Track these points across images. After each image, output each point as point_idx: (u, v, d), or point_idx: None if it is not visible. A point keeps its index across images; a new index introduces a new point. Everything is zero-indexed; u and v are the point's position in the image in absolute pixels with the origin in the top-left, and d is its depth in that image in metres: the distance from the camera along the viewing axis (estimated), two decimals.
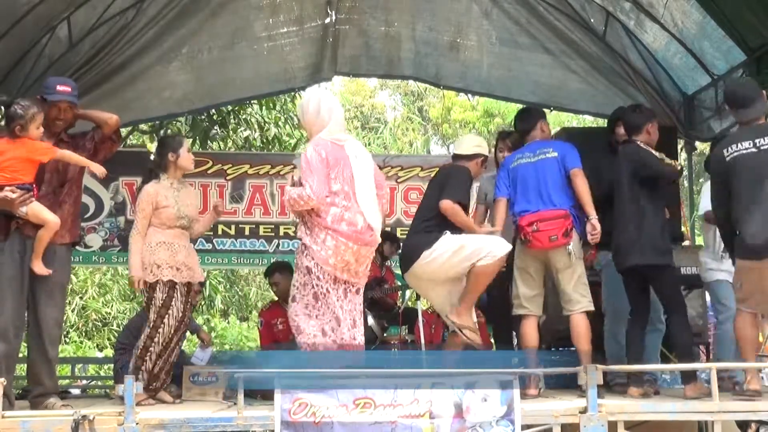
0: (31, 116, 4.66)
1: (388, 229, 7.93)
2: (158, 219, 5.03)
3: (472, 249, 4.90)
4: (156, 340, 4.95)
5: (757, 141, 4.67)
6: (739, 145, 4.72)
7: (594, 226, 5.04)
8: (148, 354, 4.95)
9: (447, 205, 4.95)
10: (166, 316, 4.97)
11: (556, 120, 14.29)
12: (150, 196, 5.03)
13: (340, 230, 4.54)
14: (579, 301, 5.09)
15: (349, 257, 4.57)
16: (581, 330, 5.06)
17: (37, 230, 4.67)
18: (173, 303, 4.99)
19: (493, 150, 6.17)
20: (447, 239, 4.96)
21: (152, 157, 5.18)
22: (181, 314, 5.03)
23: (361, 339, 4.69)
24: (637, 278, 5.14)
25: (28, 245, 4.68)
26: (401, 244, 5.43)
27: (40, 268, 4.69)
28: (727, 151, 4.77)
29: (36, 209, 4.66)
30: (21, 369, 12.08)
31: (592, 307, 5.13)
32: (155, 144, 5.25)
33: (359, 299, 4.75)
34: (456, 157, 5.35)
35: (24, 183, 4.62)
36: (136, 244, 5.00)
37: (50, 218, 4.71)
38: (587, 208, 5.07)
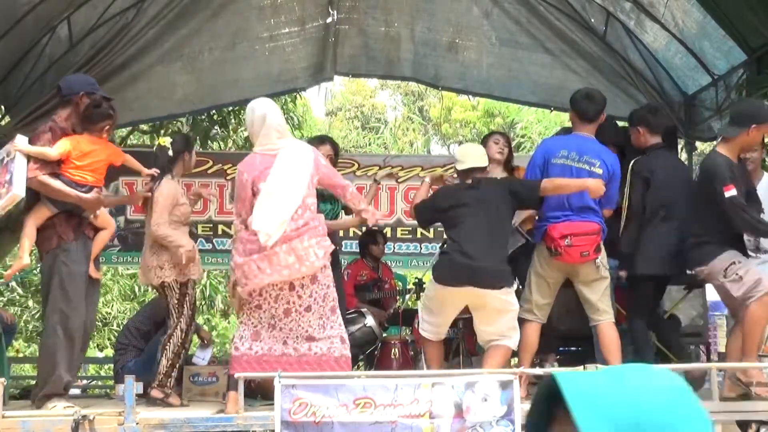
0: (116, 117, 4.74)
1: (375, 228, 7.88)
2: (175, 216, 4.97)
3: (514, 319, 4.96)
4: (189, 337, 4.96)
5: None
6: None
7: None
8: (184, 350, 4.95)
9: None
10: (194, 311, 5.01)
11: (557, 120, 14.31)
12: (173, 192, 4.97)
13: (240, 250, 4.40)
14: (606, 311, 5.02)
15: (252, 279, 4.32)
16: (611, 340, 4.97)
17: (94, 233, 4.72)
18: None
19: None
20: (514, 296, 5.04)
21: (170, 153, 5.07)
22: None
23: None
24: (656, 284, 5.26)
25: (89, 246, 4.70)
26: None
27: (94, 270, 4.74)
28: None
29: (104, 212, 4.76)
30: (20, 369, 12.11)
31: (613, 319, 5.07)
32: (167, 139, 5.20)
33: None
34: (474, 170, 5.10)
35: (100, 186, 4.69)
36: (173, 233, 4.85)
37: (112, 223, 4.87)
38: None
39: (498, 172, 5.79)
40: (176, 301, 4.89)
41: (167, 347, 4.85)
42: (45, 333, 4.57)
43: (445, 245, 5.18)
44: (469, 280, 4.82)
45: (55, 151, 4.53)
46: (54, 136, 4.58)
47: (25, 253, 4.59)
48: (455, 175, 5.44)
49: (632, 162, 5.29)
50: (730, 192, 4.63)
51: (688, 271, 5.11)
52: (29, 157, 4.48)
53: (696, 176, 4.93)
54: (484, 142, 6.08)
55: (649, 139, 5.34)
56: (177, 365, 4.87)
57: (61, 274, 4.51)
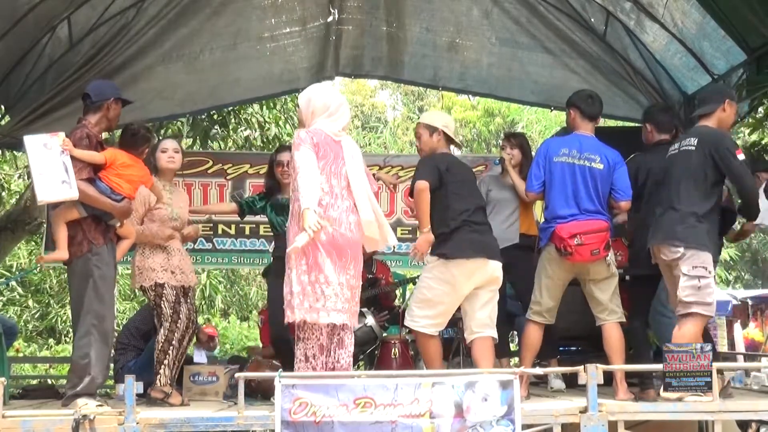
0: (153, 139, 5.04)
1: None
2: (152, 220, 5.10)
3: None
4: (176, 336, 5.00)
5: (682, 142, 4.84)
6: (674, 146, 4.91)
7: None
8: (171, 347, 4.99)
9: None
10: (180, 312, 5.02)
11: (557, 120, 14.30)
12: (143, 196, 5.08)
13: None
14: (615, 311, 5.03)
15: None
16: (616, 340, 4.98)
17: (117, 239, 4.88)
18: (181, 301, 5.03)
19: (496, 150, 6.24)
20: None
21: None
22: (188, 312, 5.09)
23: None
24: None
25: (115, 251, 4.85)
26: None
27: None
28: (670, 149, 4.96)
29: (128, 222, 4.90)
30: (20, 368, 12.12)
31: (624, 319, 5.09)
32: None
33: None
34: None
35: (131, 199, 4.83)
36: (143, 226, 5.09)
37: (134, 232, 4.98)
38: None
39: (511, 177, 5.81)
40: (153, 303, 5.06)
41: (172, 342, 5.00)
42: (78, 334, 4.62)
43: (446, 220, 4.98)
44: (485, 251, 4.89)
45: (102, 156, 4.70)
46: (90, 142, 4.70)
47: (64, 246, 4.63)
48: None
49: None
50: (741, 155, 4.65)
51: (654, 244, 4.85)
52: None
53: (686, 147, 4.77)
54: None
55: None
56: (164, 362, 4.95)
57: (94, 277, 4.61)
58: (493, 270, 4.92)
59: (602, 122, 9.92)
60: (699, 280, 4.57)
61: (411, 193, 5.05)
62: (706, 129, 4.82)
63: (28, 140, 4.58)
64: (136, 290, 5.31)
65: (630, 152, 5.56)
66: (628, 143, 5.81)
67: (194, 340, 6.48)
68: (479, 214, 5.06)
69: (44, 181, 4.46)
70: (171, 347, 4.97)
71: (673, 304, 4.84)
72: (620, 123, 8.75)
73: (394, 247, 8.30)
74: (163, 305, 5.01)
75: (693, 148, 4.73)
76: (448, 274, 4.88)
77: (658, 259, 4.82)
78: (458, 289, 4.92)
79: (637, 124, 8.07)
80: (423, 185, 4.87)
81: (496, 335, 5.02)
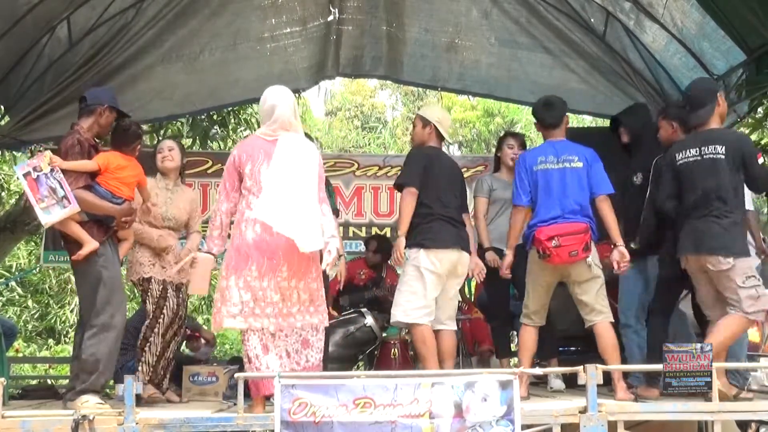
0: (142, 135, 5.08)
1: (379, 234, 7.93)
2: (145, 217, 5.15)
3: None
4: (156, 331, 5.06)
5: (702, 149, 4.74)
6: (688, 152, 4.80)
7: (623, 254, 4.97)
8: (148, 345, 5.07)
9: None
10: (165, 307, 5.04)
11: None
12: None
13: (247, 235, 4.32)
14: (601, 311, 5.01)
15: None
16: (608, 340, 4.96)
17: (118, 241, 4.91)
18: (168, 296, 5.06)
19: (494, 149, 6.32)
20: None
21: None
22: (176, 307, 5.10)
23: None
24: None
25: (118, 251, 4.88)
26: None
27: None
28: (678, 155, 4.87)
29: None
30: (20, 369, 12.09)
31: (612, 318, 5.08)
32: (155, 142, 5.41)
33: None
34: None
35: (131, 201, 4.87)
36: (141, 227, 5.15)
37: (132, 233, 5.02)
38: (614, 235, 5.00)
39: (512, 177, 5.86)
40: (141, 299, 5.18)
41: (149, 339, 5.11)
42: (89, 333, 4.62)
43: (424, 212, 5.17)
44: (459, 243, 5.16)
45: (94, 162, 4.72)
46: (82, 149, 4.71)
47: (87, 238, 4.62)
48: None
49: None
50: (761, 159, 4.67)
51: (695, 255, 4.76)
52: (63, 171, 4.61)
53: (715, 152, 4.72)
54: (500, 143, 6.19)
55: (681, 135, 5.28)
56: (141, 359, 5.05)
57: (102, 277, 4.64)
58: (466, 262, 5.23)
59: (601, 122, 9.93)
60: (756, 290, 4.60)
61: (396, 186, 5.35)
62: (730, 135, 4.85)
63: (18, 170, 4.67)
64: (136, 289, 5.33)
65: (615, 152, 5.57)
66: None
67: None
68: (457, 211, 5.26)
69: (43, 204, 4.53)
70: (148, 344, 5.06)
71: (706, 306, 4.86)
72: None
73: None
74: (147, 301, 5.10)
75: (722, 156, 4.69)
76: (430, 263, 5.07)
77: (694, 267, 4.77)
78: (442, 277, 5.12)
79: None
80: (412, 192, 5.15)
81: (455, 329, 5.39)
